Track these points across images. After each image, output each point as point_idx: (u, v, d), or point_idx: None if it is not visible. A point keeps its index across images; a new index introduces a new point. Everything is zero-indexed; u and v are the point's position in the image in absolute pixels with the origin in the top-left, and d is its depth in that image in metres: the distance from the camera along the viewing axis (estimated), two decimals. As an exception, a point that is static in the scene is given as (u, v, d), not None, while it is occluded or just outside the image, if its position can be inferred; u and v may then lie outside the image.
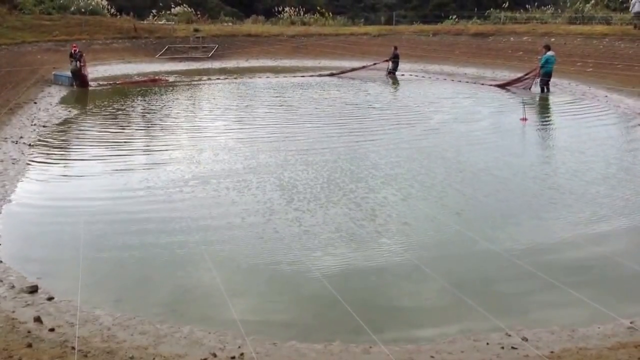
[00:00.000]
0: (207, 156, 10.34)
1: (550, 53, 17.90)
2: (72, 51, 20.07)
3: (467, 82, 21.21)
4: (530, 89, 18.49)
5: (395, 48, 24.37)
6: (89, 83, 20.54)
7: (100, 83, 21.42)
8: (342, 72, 24.03)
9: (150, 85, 21.14)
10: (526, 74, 19.01)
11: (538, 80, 18.16)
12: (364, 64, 24.54)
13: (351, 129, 13.02)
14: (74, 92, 19.22)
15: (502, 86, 19.61)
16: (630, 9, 26.15)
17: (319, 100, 17.11)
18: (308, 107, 15.96)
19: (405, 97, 17.97)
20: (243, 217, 7.35)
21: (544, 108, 16.47)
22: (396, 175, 9.11)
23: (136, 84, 21.59)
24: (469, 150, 10.80)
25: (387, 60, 24.10)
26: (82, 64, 20.03)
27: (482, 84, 20.38)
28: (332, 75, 23.77)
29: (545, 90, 17.93)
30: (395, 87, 20.94)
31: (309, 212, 7.51)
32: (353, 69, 24.25)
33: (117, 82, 21.64)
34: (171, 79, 23.01)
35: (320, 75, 23.66)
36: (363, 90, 19.61)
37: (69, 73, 20.23)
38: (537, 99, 17.41)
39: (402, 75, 23.62)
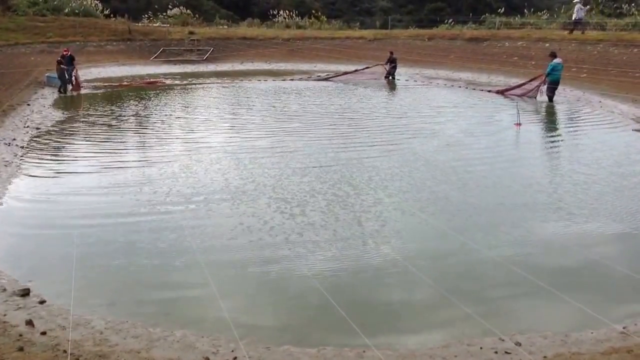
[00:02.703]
0: (202, 167, 9.89)
1: (556, 60, 17.31)
2: (64, 55, 19.55)
3: (474, 89, 20.73)
4: (536, 97, 17.98)
5: (392, 53, 24.44)
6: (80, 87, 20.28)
7: (96, 85, 21.37)
8: (338, 75, 23.98)
9: (148, 88, 21.10)
10: (530, 81, 18.48)
11: (544, 88, 17.62)
12: (360, 67, 24.55)
13: (354, 141, 12.13)
14: (68, 95, 19.07)
15: (507, 93, 19.06)
16: (573, 17, 27.44)
17: (317, 107, 16.70)
18: (307, 115, 15.40)
19: (408, 106, 17.31)
20: (237, 223, 7.32)
21: (549, 115, 16.11)
22: (400, 187, 8.87)
23: (136, 86, 21.55)
24: (479, 163, 10.39)
25: (383, 64, 24.12)
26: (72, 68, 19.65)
27: (490, 91, 19.81)
28: (328, 79, 23.71)
29: (548, 100, 17.32)
30: (397, 94, 20.48)
31: (304, 219, 7.47)
32: (347, 72, 24.19)
33: (115, 84, 21.58)
34: (167, 81, 22.96)
35: (318, 79, 23.63)
36: (363, 96, 19.26)
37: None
38: (542, 107, 16.98)
39: (407, 80, 23.56)
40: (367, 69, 24.10)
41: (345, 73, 24.15)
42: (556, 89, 17.52)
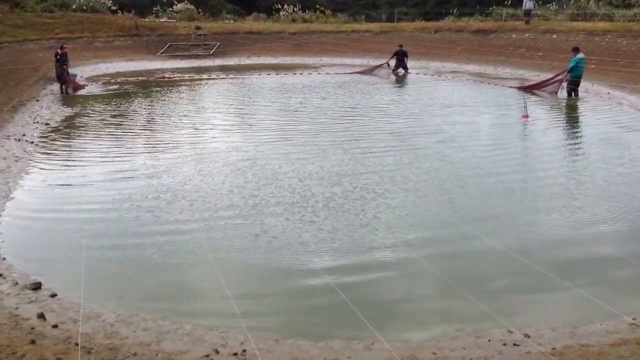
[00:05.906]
0: (211, 170, 9.41)
1: (580, 55, 16.65)
2: (61, 52, 18.53)
3: (495, 84, 19.88)
4: (557, 93, 17.35)
5: (401, 46, 24.31)
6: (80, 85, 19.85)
7: (105, 81, 21.46)
8: (369, 69, 23.86)
9: (159, 82, 21.23)
10: (555, 76, 17.72)
11: (565, 84, 17.01)
12: (369, 61, 24.55)
13: (373, 146, 11.12)
14: (70, 94, 18.49)
15: (527, 89, 18.28)
16: (523, 6, 29.34)
17: (331, 107, 15.69)
18: (321, 117, 14.41)
19: (422, 103, 16.48)
20: (246, 217, 7.35)
21: (559, 109, 15.75)
22: (416, 187, 8.69)
23: (142, 80, 21.67)
24: (497, 160, 10.12)
25: (393, 58, 24.05)
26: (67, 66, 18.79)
27: (511, 87, 18.97)
28: (353, 72, 23.56)
29: (573, 95, 16.74)
30: (409, 89, 19.65)
31: (313, 212, 7.50)
32: (377, 66, 24.08)
33: (122, 80, 21.69)
34: (176, 77, 22.99)
35: (337, 74, 23.44)
36: (375, 94, 18.24)
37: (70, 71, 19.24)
38: (556, 101, 16.54)
39: (410, 73, 23.27)
40: (387, 64, 24.09)
41: (375, 67, 23.98)
42: (579, 83, 16.84)
